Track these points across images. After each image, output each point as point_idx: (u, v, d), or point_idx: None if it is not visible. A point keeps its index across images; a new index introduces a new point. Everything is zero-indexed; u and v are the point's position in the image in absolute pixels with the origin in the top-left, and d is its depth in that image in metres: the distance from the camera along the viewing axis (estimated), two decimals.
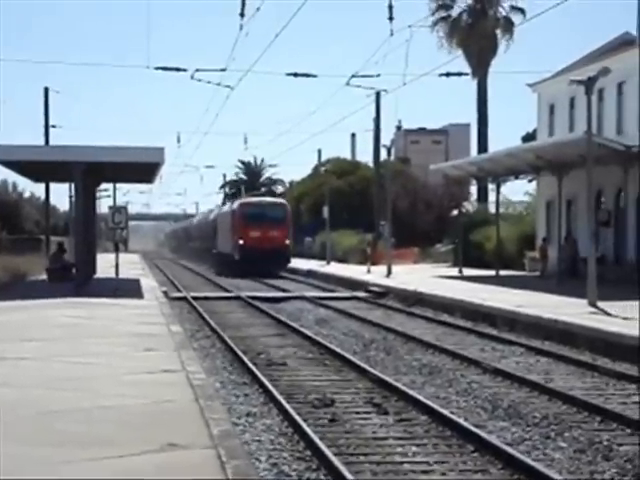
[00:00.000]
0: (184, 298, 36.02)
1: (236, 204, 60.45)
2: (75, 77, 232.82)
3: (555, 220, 43.41)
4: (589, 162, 28.39)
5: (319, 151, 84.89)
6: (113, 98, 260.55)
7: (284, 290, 41.16)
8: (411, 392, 15.03)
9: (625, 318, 22.86)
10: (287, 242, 56.38)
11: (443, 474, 10.63)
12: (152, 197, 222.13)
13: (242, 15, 31.86)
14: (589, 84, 27.72)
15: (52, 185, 56.32)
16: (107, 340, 18.43)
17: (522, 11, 64.20)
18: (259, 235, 55.38)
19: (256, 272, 51.50)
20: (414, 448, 11.71)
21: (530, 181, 52.04)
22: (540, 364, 19.25)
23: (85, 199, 36.18)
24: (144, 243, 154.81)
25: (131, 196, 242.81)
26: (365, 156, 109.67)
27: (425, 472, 10.69)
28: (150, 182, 48.47)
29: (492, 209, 56.12)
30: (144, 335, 19.26)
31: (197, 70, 40.31)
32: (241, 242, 55.53)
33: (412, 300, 33.99)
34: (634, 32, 45.28)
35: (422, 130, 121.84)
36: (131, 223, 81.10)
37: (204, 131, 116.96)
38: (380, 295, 37.47)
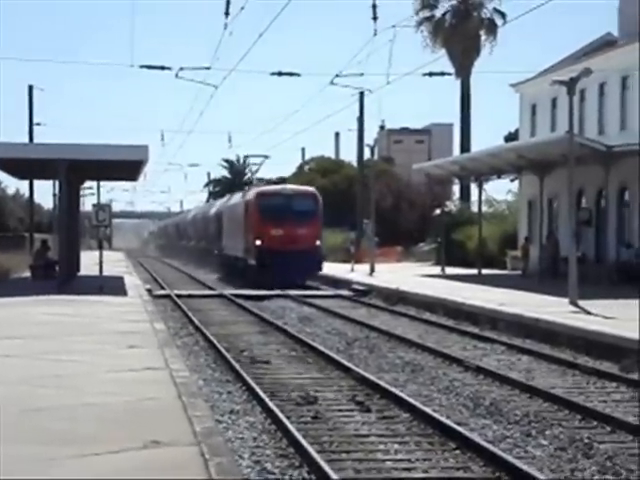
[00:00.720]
0: (168, 296, 36.01)
1: (251, 194, 45.74)
2: (59, 75, 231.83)
3: (537, 219, 43.62)
4: (570, 162, 28.54)
5: (303, 150, 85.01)
6: (97, 96, 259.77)
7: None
8: (393, 390, 15.10)
9: (606, 317, 23.02)
10: (318, 243, 42.84)
11: (425, 471, 10.69)
12: (136, 195, 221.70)
13: (227, 14, 31.87)
14: (571, 84, 27.88)
15: (36, 182, 56.24)
16: (90, 338, 18.46)
17: (503, 15, 64.43)
18: (282, 234, 42.29)
19: (278, 281, 39.78)
20: (396, 445, 11.76)
21: (512, 180, 52.28)
22: (521, 362, 19.35)
23: (69, 197, 36.17)
24: (128, 241, 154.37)
25: (115, 194, 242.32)
26: (349, 155, 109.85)
27: (407, 469, 10.74)
28: (134, 180, 48.54)
29: (475, 208, 56.29)
30: (128, 333, 19.29)
31: (181, 69, 40.27)
32: (258, 243, 42.37)
33: (395, 298, 34.08)
34: (615, 33, 45.52)
35: (405, 130, 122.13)
36: (115, 221, 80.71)
37: (188, 129, 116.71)
38: (363, 293, 37.54)
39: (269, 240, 42.31)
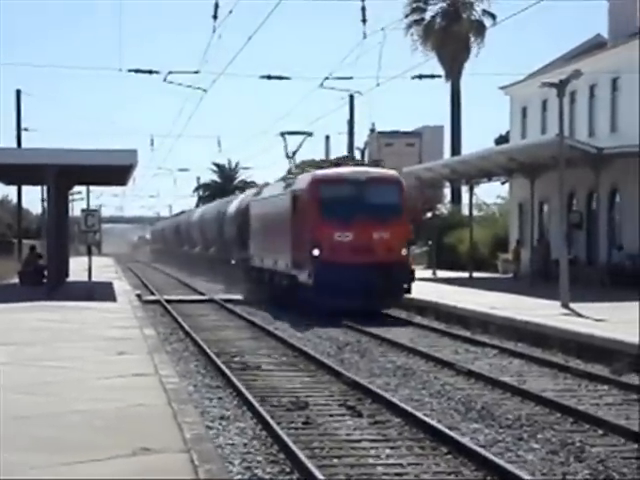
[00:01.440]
0: (157, 301, 35.91)
1: (303, 181, 31.73)
2: (47, 80, 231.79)
3: (528, 222, 43.63)
4: (561, 164, 28.56)
5: (293, 153, 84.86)
6: (86, 101, 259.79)
7: None
8: (385, 394, 15.06)
9: (597, 320, 23.01)
10: (404, 252, 29.94)
11: (417, 476, 10.64)
12: (125, 200, 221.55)
13: (215, 17, 31.74)
14: (561, 87, 27.92)
15: (24, 188, 56.12)
16: (80, 344, 18.38)
17: (493, 16, 64.58)
18: (351, 239, 29.50)
19: (346, 309, 28.15)
20: (388, 450, 11.72)
21: (503, 183, 52.32)
22: (513, 366, 19.32)
23: (57, 202, 36.06)
24: (117, 246, 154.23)
25: (104, 199, 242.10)
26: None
27: (399, 474, 10.70)
28: (123, 185, 48.40)
29: (465, 211, 56.33)
30: (117, 339, 19.22)
31: (170, 72, 40.10)
32: (316, 253, 29.33)
33: None
34: (605, 35, 45.59)
35: (396, 132, 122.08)
36: (104, 226, 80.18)
37: (177, 134, 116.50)
38: None
39: (333, 249, 29.33)
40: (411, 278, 29.98)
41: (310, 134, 38.21)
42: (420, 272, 51.81)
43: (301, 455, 10.94)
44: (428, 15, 65.96)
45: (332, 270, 28.82)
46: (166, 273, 67.88)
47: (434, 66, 64.64)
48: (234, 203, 50.07)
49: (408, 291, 29.98)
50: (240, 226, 44.11)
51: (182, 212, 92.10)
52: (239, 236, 44.13)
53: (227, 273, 47.53)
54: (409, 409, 13.75)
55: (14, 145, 54.62)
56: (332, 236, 29.56)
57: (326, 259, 29.19)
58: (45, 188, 41.90)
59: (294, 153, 37.54)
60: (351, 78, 42.93)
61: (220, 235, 52.97)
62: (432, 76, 45.11)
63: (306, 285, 29.67)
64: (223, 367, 18.20)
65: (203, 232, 62.11)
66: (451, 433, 12.15)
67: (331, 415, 13.96)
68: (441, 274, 46.17)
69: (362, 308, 28.51)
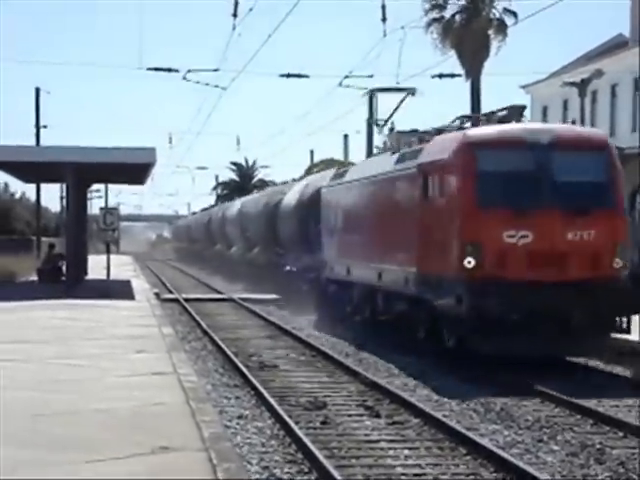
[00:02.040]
0: (176, 300, 35.93)
1: (446, 145, 19.08)
2: (66, 77, 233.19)
3: None
4: None
5: (311, 152, 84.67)
6: (105, 98, 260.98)
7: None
8: (403, 395, 14.99)
9: None
10: (618, 263, 18.16)
11: (435, 478, 10.57)
12: (144, 198, 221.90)
13: (235, 15, 31.72)
14: (582, 86, 27.82)
15: (43, 186, 56.33)
16: (98, 342, 18.41)
17: (514, 14, 64.26)
18: (531, 241, 17.68)
19: (525, 352, 17.54)
20: (406, 451, 11.65)
21: None
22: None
23: (76, 200, 36.13)
24: (136, 244, 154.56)
25: (123, 197, 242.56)
26: (358, 157, 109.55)
27: (417, 475, 10.63)
28: (142, 183, 48.44)
29: None
30: (135, 337, 19.22)
31: (189, 71, 40.07)
32: (470, 263, 17.51)
33: None
34: (627, 34, 45.37)
35: (415, 132, 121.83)
36: (123, 224, 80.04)
37: (196, 132, 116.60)
38: None
39: (500, 256, 17.80)
40: (632, 307, 18.53)
41: (413, 92, 28.43)
42: None
43: (319, 455, 10.89)
44: (448, 13, 65.68)
45: (499, 292, 17.46)
46: (191, 275, 60.61)
47: (454, 64, 64.47)
48: (292, 192, 38.03)
49: (627, 330, 18.31)
50: (303, 222, 33.19)
51: (213, 206, 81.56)
52: (301, 235, 33.58)
53: (279, 282, 37.11)
54: (428, 410, 13.68)
55: (33, 143, 54.85)
56: (498, 236, 17.81)
57: (489, 274, 17.65)
58: (64, 186, 42.05)
59: (386, 121, 29.12)
60: (371, 76, 42.61)
61: (270, 233, 40.77)
62: (452, 75, 44.94)
63: (450, 315, 18.23)
64: (241, 366, 18.17)
65: (244, 229, 49.99)
66: (470, 434, 12.07)
67: (349, 415, 13.90)
68: None
69: (546, 353, 18.02)
